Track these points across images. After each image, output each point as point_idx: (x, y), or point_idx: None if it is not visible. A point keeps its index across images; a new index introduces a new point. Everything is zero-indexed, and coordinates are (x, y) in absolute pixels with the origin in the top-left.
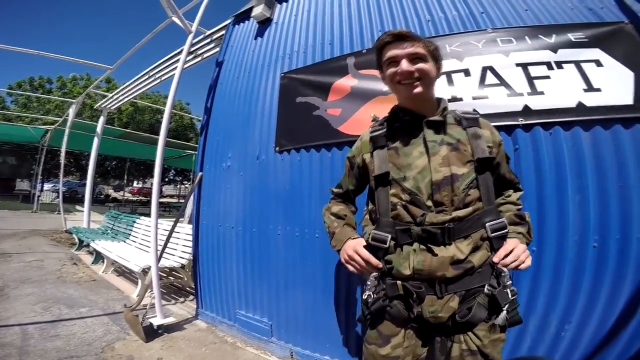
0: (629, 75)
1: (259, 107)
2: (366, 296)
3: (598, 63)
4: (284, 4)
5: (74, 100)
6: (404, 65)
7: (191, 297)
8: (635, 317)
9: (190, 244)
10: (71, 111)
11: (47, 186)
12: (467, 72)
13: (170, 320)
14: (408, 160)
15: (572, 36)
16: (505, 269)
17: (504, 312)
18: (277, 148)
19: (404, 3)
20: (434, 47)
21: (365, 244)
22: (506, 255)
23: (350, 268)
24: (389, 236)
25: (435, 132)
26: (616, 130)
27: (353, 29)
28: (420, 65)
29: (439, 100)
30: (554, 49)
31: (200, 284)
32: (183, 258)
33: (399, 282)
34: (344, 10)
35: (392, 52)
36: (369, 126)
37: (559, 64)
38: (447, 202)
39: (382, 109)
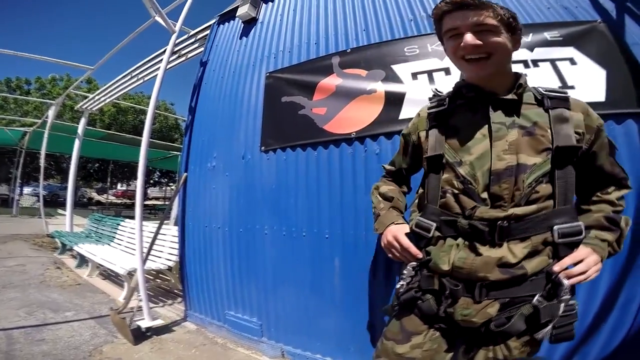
0: (601, 73)
1: (244, 106)
2: (399, 286)
3: (572, 61)
4: (270, 3)
5: (53, 102)
6: (469, 38)
7: (179, 299)
8: (613, 312)
9: (177, 245)
10: (51, 112)
11: (26, 190)
12: (447, 71)
13: (158, 322)
14: (467, 143)
15: (548, 35)
16: (565, 281)
17: (549, 327)
18: (263, 147)
19: (387, 3)
20: (509, 16)
21: (408, 230)
22: (575, 265)
23: (389, 254)
24: (434, 225)
25: (506, 113)
26: None
27: (338, 28)
28: (492, 38)
29: (517, 75)
30: (531, 47)
31: (188, 285)
32: (170, 260)
33: (435, 276)
34: (329, 10)
35: (452, 23)
36: (430, 101)
37: (535, 63)
38: (507, 197)
39: (366, 108)
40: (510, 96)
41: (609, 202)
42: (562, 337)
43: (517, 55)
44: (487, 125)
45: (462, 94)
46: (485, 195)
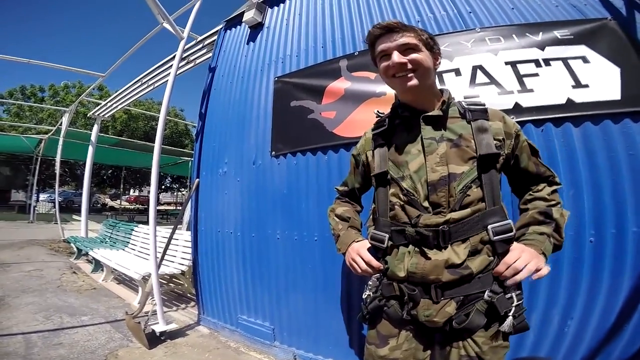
0: (615, 70)
1: (254, 112)
2: (365, 296)
3: (585, 59)
4: (275, 8)
5: (66, 109)
6: (395, 57)
7: (192, 303)
8: (637, 311)
9: (190, 250)
10: (64, 120)
11: (42, 196)
12: (457, 72)
13: (172, 326)
14: (406, 159)
15: (558, 33)
16: (508, 282)
17: (510, 318)
18: (273, 152)
19: (394, 4)
20: (427, 36)
21: (369, 246)
22: (506, 269)
23: (353, 271)
24: (387, 236)
25: (435, 127)
26: (606, 125)
27: (345, 31)
28: (413, 55)
29: (443, 91)
30: (541, 46)
31: (201, 289)
32: (183, 265)
33: (395, 283)
34: (335, 13)
35: (382, 46)
36: (374, 123)
37: (547, 62)
38: (444, 204)
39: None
40: (435, 112)
41: (541, 199)
42: (519, 328)
43: (527, 54)
44: (420, 141)
45: (398, 114)
46: (426, 204)
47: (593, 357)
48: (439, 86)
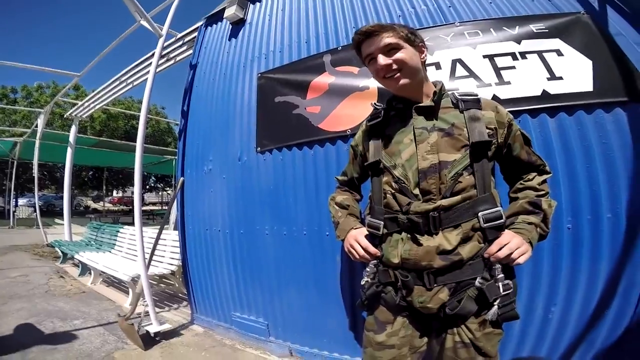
0: (587, 63)
1: (238, 108)
2: (364, 282)
3: (559, 52)
4: (257, 4)
5: (42, 110)
6: (381, 60)
7: (184, 302)
8: (617, 296)
9: (178, 250)
10: (40, 121)
11: (21, 201)
12: (438, 66)
13: (166, 327)
14: (399, 148)
15: (533, 27)
16: (497, 265)
17: (495, 307)
18: (259, 148)
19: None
20: (407, 31)
21: (366, 233)
22: (499, 250)
23: (352, 257)
24: (382, 223)
25: (427, 118)
26: (579, 115)
27: (328, 26)
28: (396, 56)
29: (435, 83)
30: (518, 40)
31: (192, 289)
32: (172, 264)
33: (390, 269)
34: (318, 8)
35: (367, 51)
36: (370, 114)
37: (523, 55)
38: (435, 191)
39: (360, 105)
40: (428, 103)
41: (531, 188)
42: (507, 316)
43: (504, 48)
44: (412, 131)
45: (392, 106)
46: (417, 191)
47: (578, 343)
48: (432, 79)
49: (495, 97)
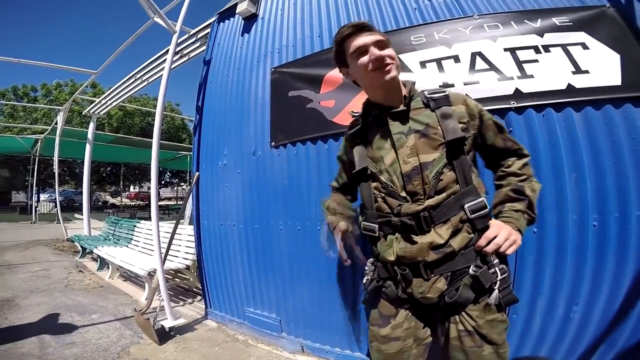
0: (615, 57)
1: (251, 103)
2: (365, 280)
3: (584, 46)
4: None
5: (61, 108)
6: (376, 51)
7: (199, 297)
8: None
9: (193, 244)
10: (59, 119)
11: (43, 196)
12: (456, 59)
13: (181, 321)
14: (381, 154)
15: (556, 20)
16: (491, 256)
17: (496, 291)
18: (273, 143)
19: None
20: (387, 38)
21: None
22: (487, 244)
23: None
24: (376, 226)
25: (402, 122)
26: (607, 110)
27: (341, 19)
28: (387, 51)
29: (406, 84)
30: (540, 33)
31: (207, 283)
32: (187, 259)
33: (388, 265)
34: (330, 1)
35: (359, 42)
36: (349, 122)
37: (546, 48)
38: (420, 192)
39: None
40: (400, 108)
41: (513, 174)
42: (508, 300)
43: (527, 41)
44: (391, 137)
45: (368, 112)
46: (404, 194)
47: (599, 344)
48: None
49: (517, 91)
